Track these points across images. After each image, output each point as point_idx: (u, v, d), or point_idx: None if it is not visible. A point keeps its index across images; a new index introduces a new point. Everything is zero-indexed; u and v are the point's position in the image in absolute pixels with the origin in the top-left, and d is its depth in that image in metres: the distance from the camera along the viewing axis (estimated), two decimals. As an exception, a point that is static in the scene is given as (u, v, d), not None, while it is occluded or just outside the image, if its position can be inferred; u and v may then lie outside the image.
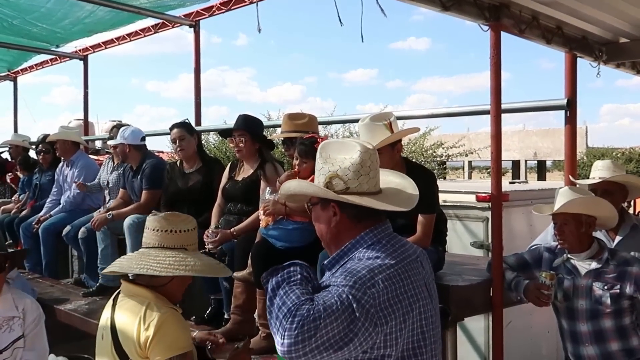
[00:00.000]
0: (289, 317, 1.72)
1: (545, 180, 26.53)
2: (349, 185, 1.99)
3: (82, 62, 8.86)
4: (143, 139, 5.30)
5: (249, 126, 4.18)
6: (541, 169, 31.61)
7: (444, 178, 17.85)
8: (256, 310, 3.82)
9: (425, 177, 3.32)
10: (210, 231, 4.05)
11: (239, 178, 4.23)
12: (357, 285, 1.79)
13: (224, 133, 4.38)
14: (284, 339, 1.71)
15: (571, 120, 3.84)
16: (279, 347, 1.74)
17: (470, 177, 29.50)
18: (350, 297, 1.76)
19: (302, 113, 4.08)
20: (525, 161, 30.49)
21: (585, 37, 3.89)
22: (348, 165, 2.00)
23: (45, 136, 6.65)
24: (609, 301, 3.04)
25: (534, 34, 3.46)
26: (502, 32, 3.22)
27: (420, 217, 3.23)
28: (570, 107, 3.81)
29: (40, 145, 6.64)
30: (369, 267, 1.87)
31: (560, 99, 3.82)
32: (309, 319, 1.70)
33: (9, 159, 8.03)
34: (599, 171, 3.52)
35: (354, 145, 2.06)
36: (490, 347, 4.66)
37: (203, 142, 7.13)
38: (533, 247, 3.52)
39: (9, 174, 7.59)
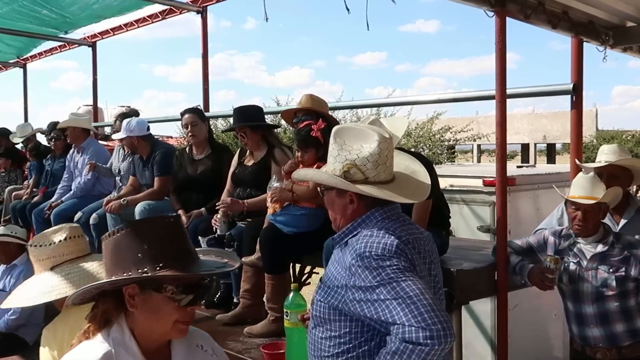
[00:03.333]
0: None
1: (554, 163, 26.41)
2: (368, 175, 2.02)
3: (90, 48, 8.89)
4: (148, 128, 5.33)
5: (245, 119, 4.23)
6: (551, 152, 31.45)
7: (453, 161, 17.82)
8: (265, 294, 3.88)
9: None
10: (218, 216, 4.11)
11: (249, 163, 4.28)
12: (387, 258, 1.86)
13: (230, 130, 4.44)
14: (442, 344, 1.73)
15: (577, 105, 3.83)
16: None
17: (479, 161, 29.42)
18: (398, 271, 1.82)
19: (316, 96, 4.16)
20: (535, 144, 30.34)
21: (592, 21, 3.87)
22: (366, 155, 2.02)
23: (56, 123, 6.71)
24: (614, 283, 3.09)
25: (540, 19, 3.45)
26: (508, 18, 3.23)
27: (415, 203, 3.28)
28: (576, 92, 3.80)
29: (51, 132, 6.71)
30: (382, 237, 1.93)
31: (566, 84, 3.82)
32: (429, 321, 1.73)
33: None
34: (605, 155, 3.54)
35: (372, 134, 2.07)
36: (496, 330, 4.71)
37: (211, 127, 7.13)
38: (538, 231, 3.55)
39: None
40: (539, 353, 5.09)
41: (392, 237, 1.92)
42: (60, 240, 2.45)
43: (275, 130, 4.46)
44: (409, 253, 1.92)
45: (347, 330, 1.95)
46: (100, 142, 7.28)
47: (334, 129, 2.13)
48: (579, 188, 3.18)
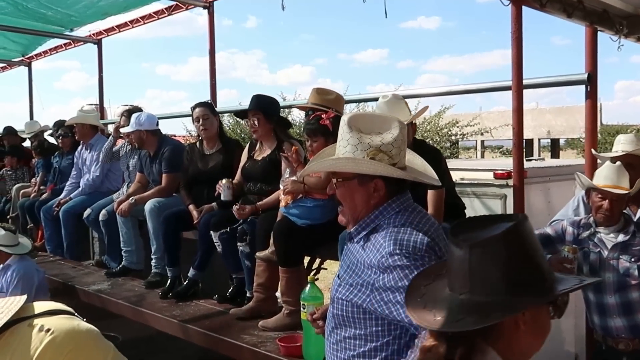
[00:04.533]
0: None
1: (558, 158, 26.35)
2: (395, 160, 1.95)
3: (96, 46, 8.86)
4: (157, 123, 5.31)
5: (262, 106, 4.19)
6: (554, 148, 31.39)
7: (457, 157, 17.80)
8: (278, 288, 3.86)
9: (431, 152, 3.42)
10: (222, 182, 4.19)
11: (259, 157, 4.25)
12: (419, 257, 1.82)
13: (240, 115, 4.40)
14: None
15: (592, 95, 3.81)
16: None
17: (482, 157, 29.37)
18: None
19: (330, 90, 4.06)
20: (539, 140, 30.29)
21: (606, 10, 3.85)
22: (390, 140, 1.94)
23: (63, 121, 6.71)
24: (636, 273, 3.06)
25: (555, 8, 3.43)
26: (522, 7, 3.21)
27: (430, 193, 3.27)
28: (590, 82, 3.78)
29: (59, 130, 6.70)
30: (410, 234, 1.88)
31: (581, 74, 3.79)
32: None
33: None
34: (622, 144, 3.51)
35: (390, 119, 2.02)
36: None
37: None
38: (555, 222, 3.52)
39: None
40: (551, 348, 5.05)
41: (421, 234, 1.88)
42: None
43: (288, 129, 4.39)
44: (438, 250, 1.88)
45: (374, 328, 1.90)
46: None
47: (346, 117, 2.01)
48: (606, 178, 3.15)
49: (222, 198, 4.23)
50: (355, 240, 2.02)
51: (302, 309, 3.01)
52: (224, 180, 4.20)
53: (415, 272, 1.75)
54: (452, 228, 1.41)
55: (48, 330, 1.87)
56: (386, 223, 1.95)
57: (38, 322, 1.91)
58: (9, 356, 1.83)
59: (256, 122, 4.15)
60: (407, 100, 3.62)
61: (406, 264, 1.80)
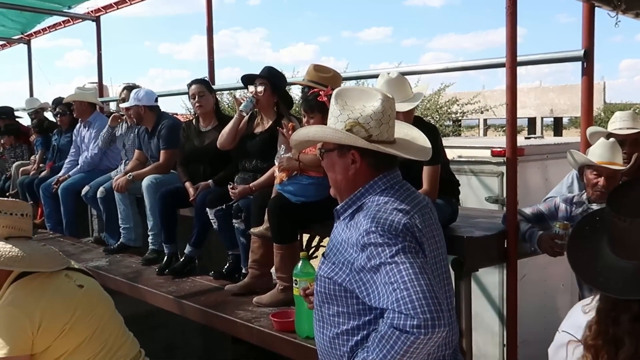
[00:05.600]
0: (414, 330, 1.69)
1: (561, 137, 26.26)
2: (371, 133, 1.96)
3: (94, 23, 8.81)
4: (156, 99, 5.31)
5: (271, 76, 4.20)
6: (557, 126, 31.28)
7: (459, 135, 17.75)
8: (273, 265, 3.89)
9: (428, 129, 3.39)
10: (248, 94, 4.17)
11: (257, 131, 4.26)
12: (393, 237, 1.81)
13: (247, 80, 4.35)
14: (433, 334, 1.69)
15: (588, 72, 3.77)
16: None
17: (485, 135, 29.29)
18: (400, 253, 1.78)
19: (327, 67, 4.04)
20: (542, 118, 30.15)
21: (604, -15, 3.80)
22: (370, 113, 1.96)
23: (61, 99, 6.70)
24: None
25: (551, -17, 3.39)
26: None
27: (425, 169, 3.26)
28: (587, 59, 3.73)
29: (57, 107, 6.70)
30: (390, 213, 1.87)
31: (577, 50, 3.75)
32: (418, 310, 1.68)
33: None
34: (625, 122, 3.50)
35: (375, 93, 2.03)
36: (504, 301, 4.72)
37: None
38: (548, 199, 3.53)
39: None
40: (546, 324, 5.09)
41: (400, 214, 1.87)
42: (23, 214, 2.38)
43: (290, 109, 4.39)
44: (416, 230, 1.88)
45: (356, 307, 1.91)
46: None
47: (334, 91, 2.06)
48: (601, 155, 3.15)
49: (240, 107, 4.18)
50: (342, 218, 2.04)
51: (294, 284, 3.03)
52: (249, 93, 4.18)
53: (387, 250, 1.78)
54: (611, 198, 1.55)
55: (81, 286, 2.39)
56: (370, 201, 1.95)
57: (73, 275, 2.40)
58: (46, 296, 2.25)
59: (262, 91, 4.14)
60: (406, 77, 3.59)
61: (379, 242, 1.81)
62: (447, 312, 1.75)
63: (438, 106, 15.38)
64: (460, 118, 17.83)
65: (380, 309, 1.82)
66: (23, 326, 2.19)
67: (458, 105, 15.92)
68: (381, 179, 1.99)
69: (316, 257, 5.88)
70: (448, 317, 1.73)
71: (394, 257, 1.78)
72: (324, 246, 5.32)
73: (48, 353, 2.26)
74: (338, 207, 2.06)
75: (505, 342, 4.73)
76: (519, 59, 3.26)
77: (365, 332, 1.89)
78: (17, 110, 8.61)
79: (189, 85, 4.75)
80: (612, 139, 3.23)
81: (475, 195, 5.27)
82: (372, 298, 1.82)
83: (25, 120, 8.38)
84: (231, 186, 4.08)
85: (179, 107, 14.71)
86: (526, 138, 7.11)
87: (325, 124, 3.38)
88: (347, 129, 1.96)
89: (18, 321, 2.19)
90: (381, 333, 1.75)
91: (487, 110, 16.87)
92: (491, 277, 4.72)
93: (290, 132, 3.65)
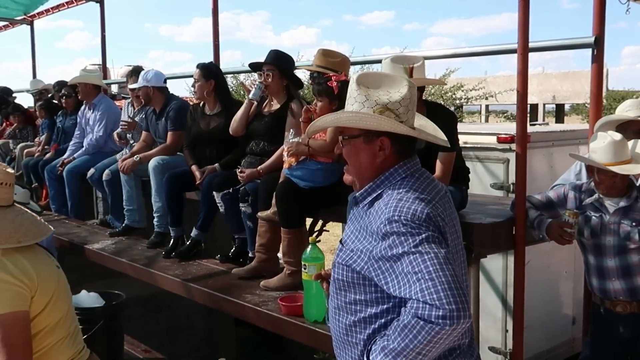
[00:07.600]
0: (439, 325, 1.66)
1: (563, 123, 26.19)
2: (402, 119, 1.90)
3: (98, 4, 8.76)
4: (165, 80, 5.30)
5: (278, 61, 4.18)
6: (559, 113, 31.15)
7: (461, 121, 17.70)
8: (280, 249, 3.90)
9: (445, 115, 3.39)
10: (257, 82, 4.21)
11: (265, 111, 4.26)
12: (416, 226, 1.78)
13: (254, 67, 4.34)
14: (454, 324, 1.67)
15: (598, 59, 3.74)
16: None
17: (487, 121, 29.20)
18: (425, 243, 1.75)
19: (336, 52, 4.02)
20: (544, 104, 30.04)
21: (615, -29, 3.78)
22: (398, 98, 1.90)
23: (64, 81, 6.68)
24: (637, 237, 3.09)
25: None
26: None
27: (440, 155, 3.25)
28: (597, 46, 3.71)
29: (63, 89, 6.68)
30: (412, 202, 1.84)
31: (588, 37, 3.73)
32: (448, 300, 1.66)
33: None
34: (635, 110, 3.50)
35: (400, 79, 1.98)
36: (507, 286, 4.74)
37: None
38: (557, 186, 3.53)
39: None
40: (549, 311, 5.13)
41: (423, 203, 1.83)
42: (3, 183, 2.36)
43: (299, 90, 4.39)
44: (439, 220, 1.84)
45: (374, 295, 1.88)
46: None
47: (355, 77, 1.98)
48: (608, 153, 3.10)
49: (250, 96, 4.22)
50: (361, 205, 2.00)
51: (303, 269, 3.05)
52: (257, 81, 4.21)
53: (410, 240, 1.74)
54: None
55: (58, 267, 2.54)
56: (391, 189, 1.91)
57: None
58: (39, 264, 2.36)
59: (270, 77, 4.14)
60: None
61: (402, 231, 1.77)
62: (470, 303, 1.73)
63: (443, 92, 15.31)
64: (463, 104, 17.76)
65: (399, 298, 1.80)
66: (21, 286, 2.26)
67: (463, 91, 15.85)
68: (402, 167, 1.95)
69: (319, 241, 5.90)
70: (469, 308, 1.71)
71: (417, 246, 1.74)
72: (327, 230, 5.34)
73: (33, 325, 2.32)
74: (357, 194, 2.01)
75: (507, 328, 4.77)
76: (531, 44, 3.25)
77: (382, 320, 1.87)
78: (20, 92, 8.61)
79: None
80: (619, 136, 3.18)
81: (481, 181, 5.26)
82: (390, 287, 1.79)
83: (22, 101, 8.39)
84: (239, 170, 4.09)
85: (183, 89, 14.64)
86: (531, 125, 7.09)
87: (331, 110, 3.41)
88: (377, 114, 1.90)
89: (16, 281, 2.26)
90: (404, 322, 1.72)
91: (492, 96, 16.81)
92: (495, 263, 4.73)
93: (304, 113, 3.65)
